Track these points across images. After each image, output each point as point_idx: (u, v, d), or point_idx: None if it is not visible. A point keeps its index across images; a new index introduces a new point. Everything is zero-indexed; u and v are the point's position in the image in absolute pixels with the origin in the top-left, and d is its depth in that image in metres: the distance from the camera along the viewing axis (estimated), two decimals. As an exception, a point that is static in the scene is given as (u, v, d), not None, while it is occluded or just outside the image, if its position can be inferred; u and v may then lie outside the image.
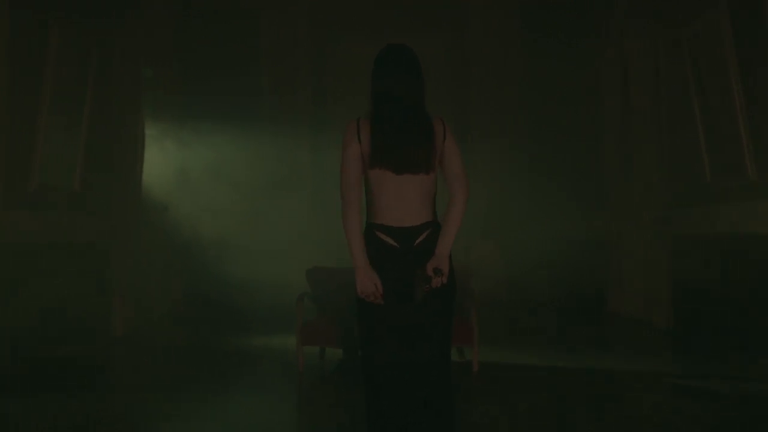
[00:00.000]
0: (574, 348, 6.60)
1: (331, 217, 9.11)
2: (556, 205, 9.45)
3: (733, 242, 6.32)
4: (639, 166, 7.99)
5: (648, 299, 7.78)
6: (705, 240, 6.89)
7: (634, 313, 8.19)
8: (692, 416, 4.35)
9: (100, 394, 5.08)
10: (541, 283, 9.65)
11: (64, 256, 6.71)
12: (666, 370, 5.87)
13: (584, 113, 9.36)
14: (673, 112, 7.41)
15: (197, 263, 9.02)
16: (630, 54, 8.10)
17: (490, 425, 4.25)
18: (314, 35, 9.78)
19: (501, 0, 9.72)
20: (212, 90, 9.43)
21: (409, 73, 2.85)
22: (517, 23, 9.74)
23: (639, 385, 5.21)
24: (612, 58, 8.71)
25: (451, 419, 2.85)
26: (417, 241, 2.83)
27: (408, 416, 2.81)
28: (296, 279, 6.69)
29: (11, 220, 5.90)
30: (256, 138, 9.33)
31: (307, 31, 9.75)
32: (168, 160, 8.91)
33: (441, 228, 2.83)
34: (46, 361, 6.03)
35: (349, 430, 4.06)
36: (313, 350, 5.92)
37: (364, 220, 2.87)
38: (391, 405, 2.80)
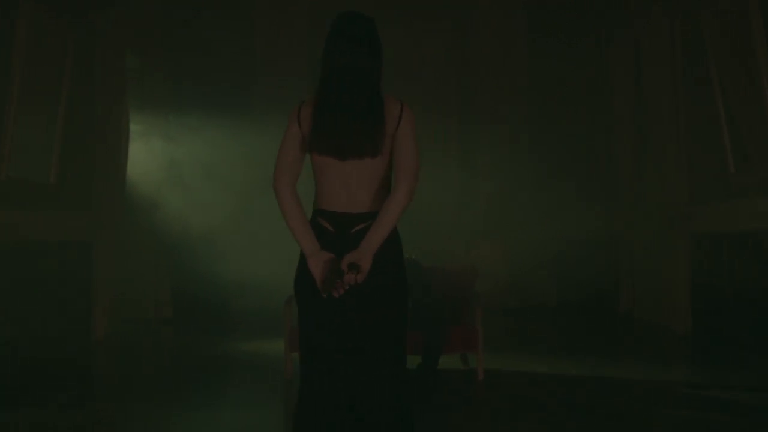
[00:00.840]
0: (585, 354, 6.14)
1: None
2: (564, 203, 9.09)
3: (758, 239, 5.88)
4: (654, 160, 7.54)
5: (664, 302, 7.31)
6: (727, 237, 6.45)
7: (649, 316, 7.73)
8: (713, 430, 3.95)
9: (75, 403, 4.65)
10: (547, 284, 9.30)
11: (39, 254, 6.28)
12: (684, 379, 5.44)
13: (594, 106, 8.97)
14: (690, 101, 6.95)
15: (186, 263, 8.60)
16: (642, 41, 7.65)
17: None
18: (312, 32, 9.37)
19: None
20: (203, 81, 9.02)
21: (360, 46, 2.49)
22: (522, 16, 9.39)
23: (656, 395, 4.75)
24: (623, 46, 8.27)
25: None
26: (354, 229, 2.50)
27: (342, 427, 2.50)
28: (288, 280, 6.25)
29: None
30: (249, 130, 8.89)
31: (305, 28, 9.35)
32: (156, 155, 8.51)
33: (375, 220, 2.48)
34: (19, 366, 5.60)
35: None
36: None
37: (310, 209, 2.61)
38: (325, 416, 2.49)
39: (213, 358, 6.22)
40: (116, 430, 4.14)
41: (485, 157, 9.35)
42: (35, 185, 6.29)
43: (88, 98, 7.13)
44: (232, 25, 9.28)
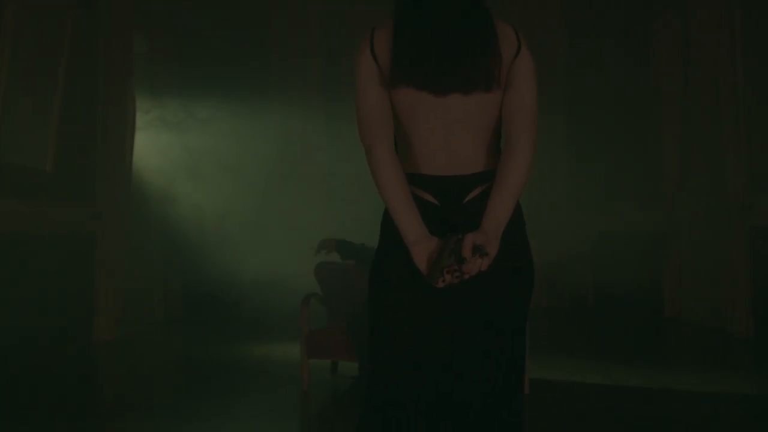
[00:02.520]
0: (639, 361, 5.46)
1: (350, 200, 8.35)
2: (602, 194, 8.49)
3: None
4: (707, 144, 6.83)
5: (719, 302, 6.61)
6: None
7: (701, 318, 7.03)
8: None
9: (67, 414, 4.08)
10: (584, 282, 8.67)
11: (35, 248, 5.73)
12: (752, 391, 4.74)
13: (635, 85, 8.27)
14: (751, 72, 6.22)
15: (198, 259, 8.06)
16: (693, 9, 6.92)
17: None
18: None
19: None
20: (216, 66, 8.47)
21: None
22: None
23: (736, 413, 4.08)
24: (669, 18, 7.55)
25: None
26: (467, 198, 1.80)
27: None
28: (306, 277, 5.68)
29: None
30: (266, 118, 8.33)
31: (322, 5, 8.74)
32: (166, 146, 7.99)
33: (493, 188, 1.77)
34: (9, 373, 5.06)
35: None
36: (324, 364, 4.90)
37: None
38: None
39: (222, 362, 5.67)
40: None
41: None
42: (30, 173, 5.74)
43: (90, 83, 6.57)
44: (246, 7, 8.71)
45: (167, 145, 8.01)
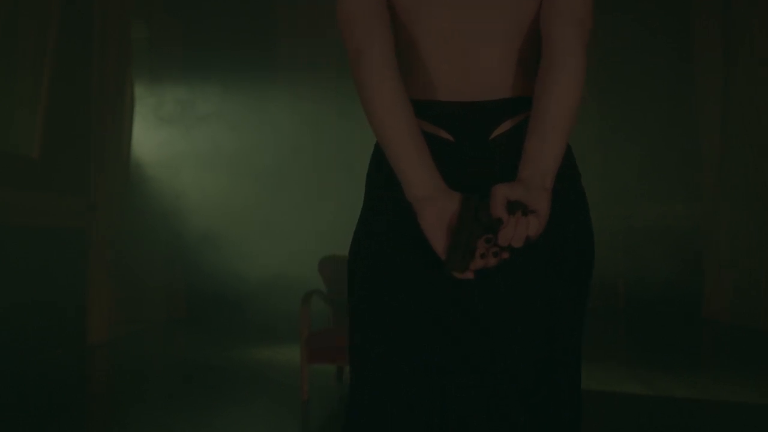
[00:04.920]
0: (683, 368, 4.89)
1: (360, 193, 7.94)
2: (633, 185, 7.94)
3: None
4: (751, 128, 6.24)
5: (766, 303, 6.02)
6: None
7: (743, 321, 6.43)
8: None
9: (55, 422, 3.61)
10: (614, 280, 8.11)
11: (19, 241, 5.29)
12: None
13: (673, 66, 7.70)
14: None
15: (203, 258, 7.62)
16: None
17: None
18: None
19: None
20: (221, 51, 8.02)
21: None
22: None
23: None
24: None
25: None
26: (495, 134, 1.20)
27: None
28: (313, 274, 5.19)
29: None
30: (274, 106, 7.87)
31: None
32: (170, 137, 7.57)
33: (531, 120, 1.15)
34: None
35: None
36: (329, 369, 4.40)
37: None
38: None
39: (220, 367, 5.19)
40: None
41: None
42: (14, 159, 5.29)
43: (83, 67, 6.13)
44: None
45: (170, 138, 7.60)
